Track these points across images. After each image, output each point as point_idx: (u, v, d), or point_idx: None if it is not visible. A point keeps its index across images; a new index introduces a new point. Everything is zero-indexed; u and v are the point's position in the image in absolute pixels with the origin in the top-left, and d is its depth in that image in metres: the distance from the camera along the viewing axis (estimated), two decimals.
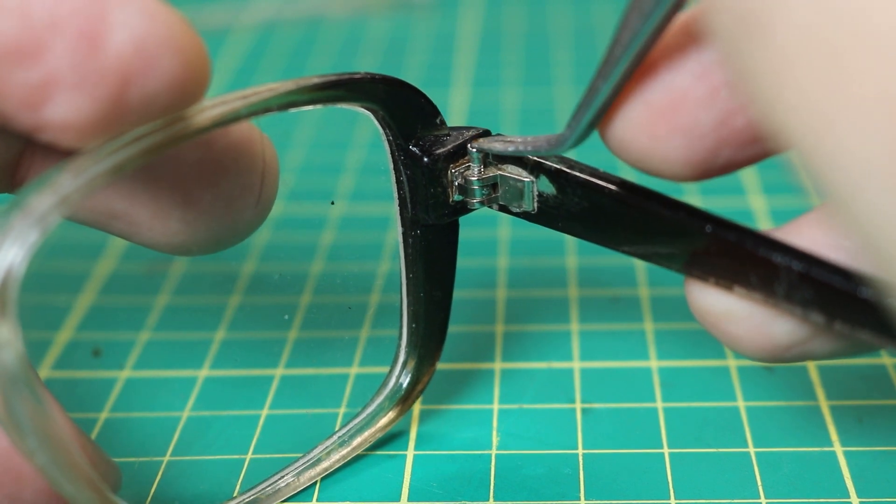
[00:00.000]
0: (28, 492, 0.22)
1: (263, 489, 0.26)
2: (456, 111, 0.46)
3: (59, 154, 0.23)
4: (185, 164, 0.24)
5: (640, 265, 0.35)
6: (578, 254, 0.36)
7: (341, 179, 0.41)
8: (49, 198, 0.19)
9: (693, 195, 0.39)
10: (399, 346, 0.27)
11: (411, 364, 0.27)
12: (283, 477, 0.27)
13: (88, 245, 0.37)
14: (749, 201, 0.39)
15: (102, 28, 0.19)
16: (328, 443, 0.27)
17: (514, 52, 0.53)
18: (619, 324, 0.33)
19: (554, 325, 0.33)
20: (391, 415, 0.28)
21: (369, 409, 0.28)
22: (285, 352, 0.32)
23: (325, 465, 0.27)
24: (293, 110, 0.23)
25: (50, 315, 0.34)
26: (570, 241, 0.37)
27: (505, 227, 0.38)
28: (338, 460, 0.27)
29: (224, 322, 0.33)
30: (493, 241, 0.37)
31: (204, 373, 0.31)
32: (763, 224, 0.37)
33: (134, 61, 0.20)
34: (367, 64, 0.51)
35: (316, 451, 0.27)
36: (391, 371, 0.28)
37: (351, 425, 0.27)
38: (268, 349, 0.32)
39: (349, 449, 0.27)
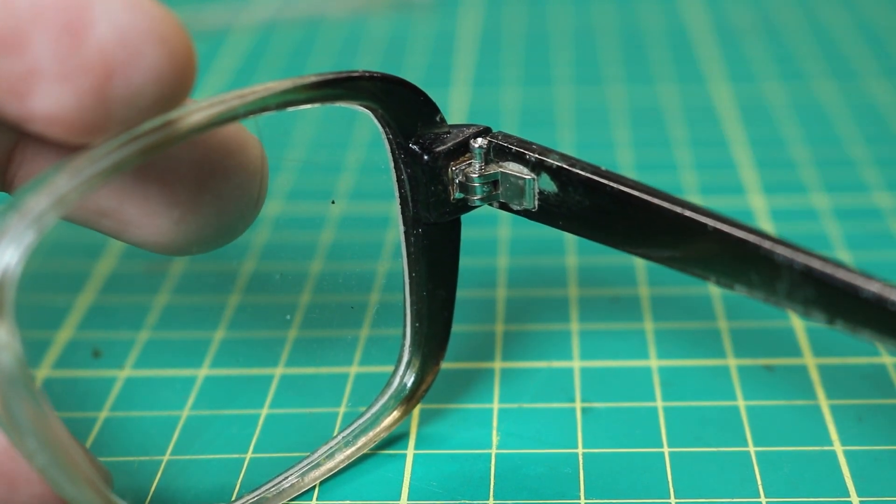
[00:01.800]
0: (22, 496, 0.22)
1: (268, 489, 0.26)
2: (456, 111, 0.46)
3: (50, 149, 0.23)
4: (177, 163, 0.24)
5: (640, 265, 0.35)
6: (578, 253, 0.36)
7: (341, 179, 0.41)
8: (45, 198, 0.19)
9: (693, 194, 0.39)
10: (403, 345, 0.27)
11: (415, 364, 0.27)
12: (287, 478, 0.27)
13: (88, 245, 0.37)
14: (749, 201, 0.39)
15: (85, 20, 0.19)
16: (332, 443, 0.27)
17: (514, 52, 0.53)
18: (619, 324, 0.33)
19: (554, 324, 0.33)
20: (395, 414, 0.28)
21: (373, 410, 0.27)
22: (285, 351, 0.32)
23: (329, 465, 0.27)
24: (291, 109, 0.23)
25: (49, 315, 0.34)
26: (570, 240, 0.37)
27: (505, 227, 0.38)
28: (342, 461, 0.27)
29: (224, 322, 0.33)
30: (493, 241, 0.37)
31: (204, 372, 0.31)
32: (763, 224, 0.37)
33: (117, 54, 0.20)
34: (367, 64, 0.51)
35: (320, 452, 0.27)
36: (395, 371, 0.28)
37: (355, 426, 0.27)
38: (268, 348, 0.32)
39: (353, 449, 0.27)
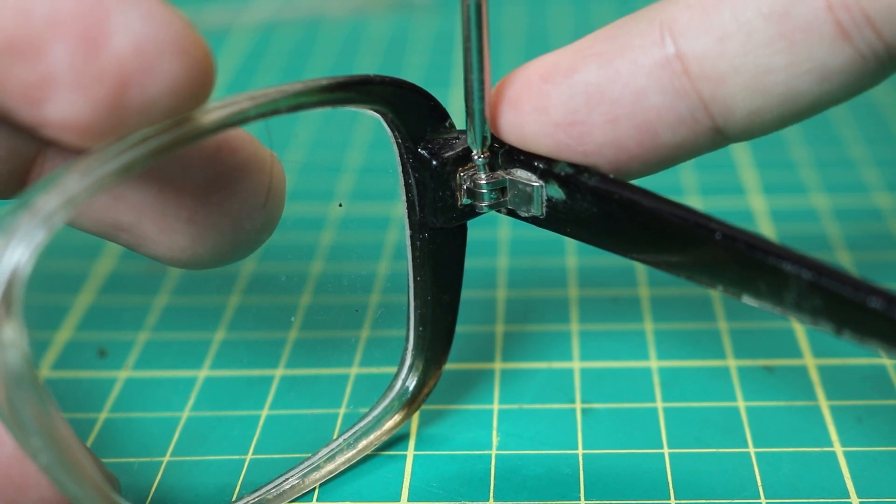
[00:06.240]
0: (29, 499, 0.22)
1: (268, 491, 0.26)
2: (456, 111, 0.46)
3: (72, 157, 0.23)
4: (193, 181, 0.24)
5: (640, 266, 0.35)
6: (578, 254, 0.36)
7: (343, 180, 0.41)
8: (55, 198, 0.19)
9: (693, 195, 0.39)
10: (406, 349, 0.27)
11: (418, 367, 0.27)
12: (287, 479, 0.27)
13: (88, 245, 0.37)
14: (749, 201, 0.39)
15: (103, 30, 0.20)
16: (333, 446, 0.27)
17: (514, 52, 0.53)
18: (619, 324, 0.33)
19: (554, 325, 0.33)
20: (397, 417, 0.28)
21: (375, 412, 0.27)
22: (285, 352, 0.32)
23: (330, 467, 0.27)
24: (301, 112, 0.23)
25: (50, 315, 0.34)
26: (570, 241, 0.37)
27: (505, 228, 0.38)
28: (343, 463, 0.27)
29: (224, 322, 0.33)
30: (493, 242, 0.37)
31: (204, 373, 0.31)
32: (763, 224, 0.37)
33: (134, 64, 0.20)
34: (367, 64, 0.51)
35: (321, 454, 0.27)
36: (397, 374, 0.28)
37: (356, 428, 0.27)
38: (268, 349, 0.32)
39: (354, 451, 0.27)
